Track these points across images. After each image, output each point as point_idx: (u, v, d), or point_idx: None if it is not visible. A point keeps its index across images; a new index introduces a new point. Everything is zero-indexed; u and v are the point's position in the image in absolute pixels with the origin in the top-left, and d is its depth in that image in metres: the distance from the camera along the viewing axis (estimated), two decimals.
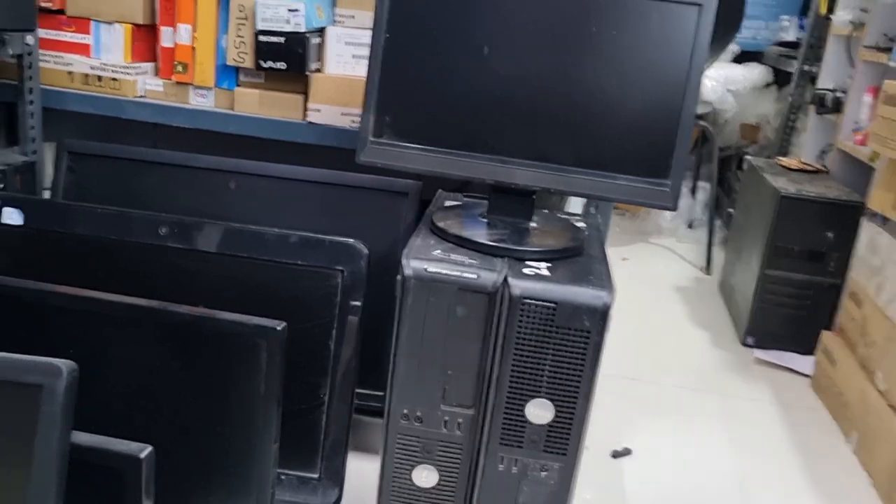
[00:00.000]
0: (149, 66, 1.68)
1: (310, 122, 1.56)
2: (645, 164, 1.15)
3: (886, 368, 1.71)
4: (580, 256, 1.17)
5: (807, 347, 2.20)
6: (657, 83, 1.12)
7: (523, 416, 1.09)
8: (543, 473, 1.11)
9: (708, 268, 2.93)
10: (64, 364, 0.69)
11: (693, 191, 3.40)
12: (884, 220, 1.85)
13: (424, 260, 1.07)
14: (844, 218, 2.14)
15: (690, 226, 3.39)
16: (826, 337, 2.05)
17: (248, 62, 1.56)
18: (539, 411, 1.09)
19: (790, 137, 3.07)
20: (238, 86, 1.61)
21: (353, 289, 1.21)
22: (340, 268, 1.21)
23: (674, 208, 1.16)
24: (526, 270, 1.08)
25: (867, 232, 1.94)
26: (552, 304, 1.04)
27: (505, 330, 1.06)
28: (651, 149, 1.15)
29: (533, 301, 1.04)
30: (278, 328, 0.98)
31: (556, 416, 1.08)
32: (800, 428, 1.87)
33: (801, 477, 1.66)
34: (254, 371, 0.97)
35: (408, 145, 1.18)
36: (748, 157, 2.68)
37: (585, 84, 1.14)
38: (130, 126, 1.68)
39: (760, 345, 2.26)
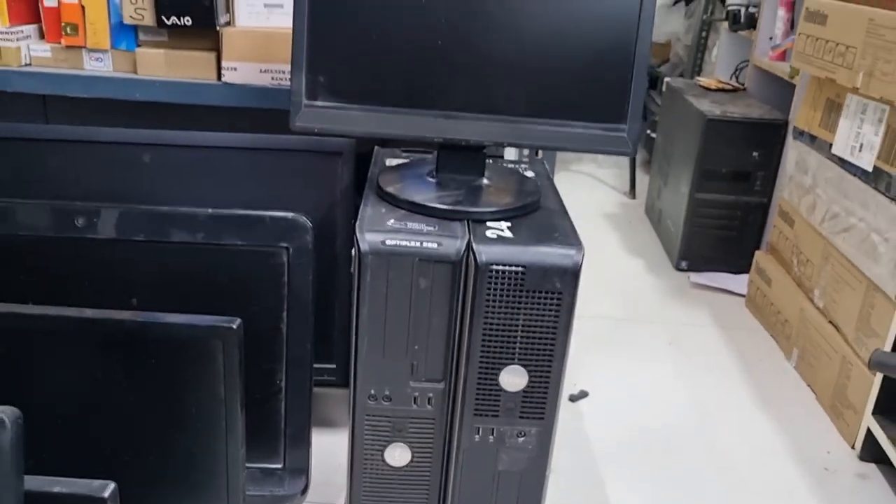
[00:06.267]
0: (31, 28, 1.50)
1: (226, 83, 1.43)
2: (600, 110, 1.09)
3: (823, 286, 1.74)
4: (538, 211, 1.11)
5: (739, 267, 2.24)
6: (608, 22, 1.06)
7: (497, 384, 1.04)
8: (521, 439, 1.08)
9: (632, 192, 2.94)
10: (5, 413, 0.59)
11: None
12: (811, 139, 1.86)
13: (380, 232, 0.99)
14: (769, 137, 2.16)
15: None
16: (760, 257, 2.09)
17: (148, 19, 1.41)
18: (513, 379, 1.04)
19: (702, 55, 3.08)
20: (139, 46, 1.46)
21: (300, 266, 1.12)
22: (285, 245, 1.12)
23: (632, 153, 1.11)
24: (489, 233, 1.01)
25: (795, 151, 1.95)
26: (520, 269, 0.99)
27: (472, 299, 1.00)
28: (605, 93, 1.09)
29: (500, 267, 0.98)
30: (234, 326, 0.89)
31: (531, 381, 1.04)
32: (742, 349, 1.91)
33: (750, 397, 1.70)
34: (211, 375, 0.88)
35: (346, 106, 1.08)
36: (667, 79, 2.67)
37: (532, 27, 1.06)
38: (12, 100, 1.50)
39: (694, 268, 2.29)
